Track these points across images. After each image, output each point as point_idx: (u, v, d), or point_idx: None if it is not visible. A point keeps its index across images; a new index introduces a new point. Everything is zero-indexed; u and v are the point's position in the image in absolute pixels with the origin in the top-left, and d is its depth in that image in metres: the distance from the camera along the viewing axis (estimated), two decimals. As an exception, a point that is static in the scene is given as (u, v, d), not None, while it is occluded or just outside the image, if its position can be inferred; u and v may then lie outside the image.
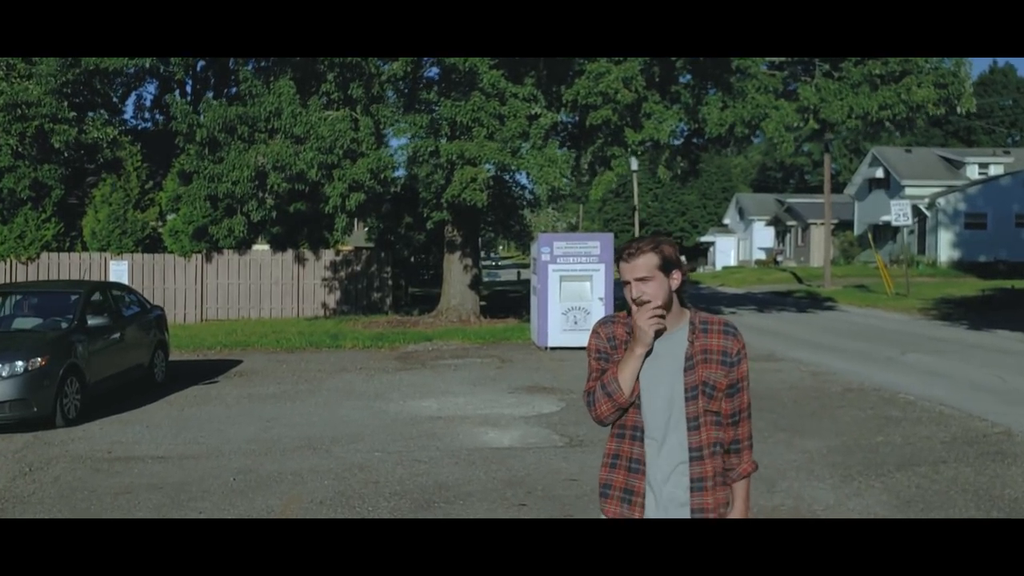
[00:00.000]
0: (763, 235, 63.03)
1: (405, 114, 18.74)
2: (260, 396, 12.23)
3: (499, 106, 17.41)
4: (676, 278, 3.03)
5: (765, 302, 29.99)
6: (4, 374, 9.70)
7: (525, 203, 24.53)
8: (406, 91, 19.80)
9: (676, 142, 20.78)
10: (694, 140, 21.23)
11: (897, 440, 8.94)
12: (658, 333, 2.99)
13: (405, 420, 10.40)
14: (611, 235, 17.51)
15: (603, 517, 3.12)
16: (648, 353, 3.00)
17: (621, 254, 3.07)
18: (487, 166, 18.13)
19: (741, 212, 66.72)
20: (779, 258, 59.38)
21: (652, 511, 3.03)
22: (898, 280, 30.94)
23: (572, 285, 16.85)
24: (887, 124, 19.45)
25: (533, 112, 17.50)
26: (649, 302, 2.96)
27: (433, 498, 7.13)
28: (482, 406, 11.23)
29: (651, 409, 3.03)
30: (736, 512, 3.11)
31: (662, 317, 2.98)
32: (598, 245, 16.88)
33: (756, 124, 18.05)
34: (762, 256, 61.47)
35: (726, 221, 69.88)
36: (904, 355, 15.51)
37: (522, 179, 22.67)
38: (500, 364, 15.20)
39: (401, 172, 20.50)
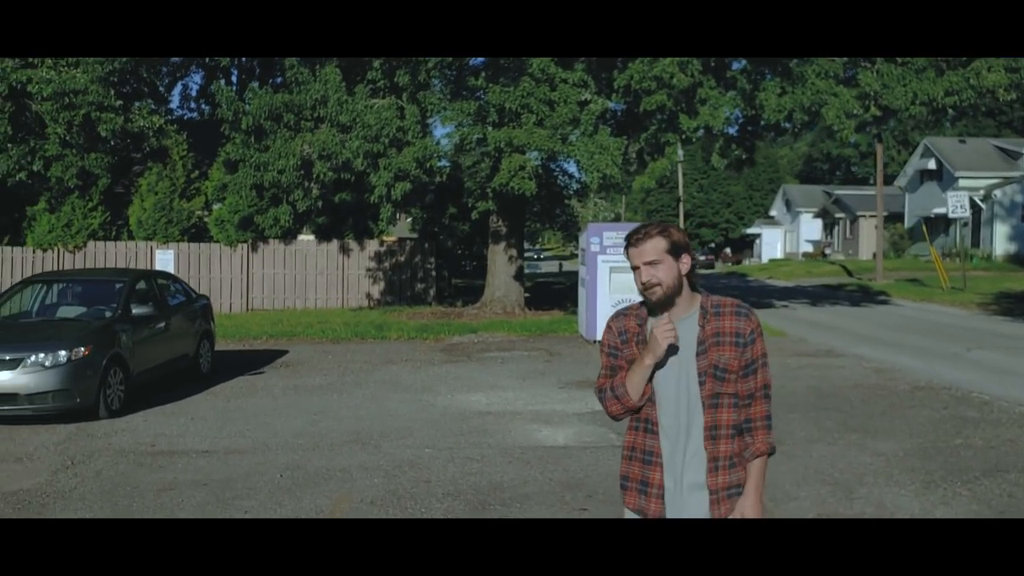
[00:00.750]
0: (810, 227, 61.88)
1: (452, 101, 18.37)
2: (307, 388, 11.97)
3: (549, 92, 16.94)
4: (685, 262, 3.05)
5: (817, 296, 29.27)
6: (47, 364, 9.51)
7: (572, 192, 24.05)
8: (453, 77, 19.43)
9: (731, 129, 20.14)
10: (749, 128, 20.57)
11: (978, 443, 8.40)
12: (672, 348, 3.01)
13: (454, 415, 10.06)
14: None
15: (626, 508, 3.19)
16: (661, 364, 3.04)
17: (628, 240, 3.07)
18: (532, 154, 17.68)
19: (788, 204, 65.60)
20: (827, 251, 58.27)
21: (673, 499, 3.07)
22: (953, 274, 30.02)
23: (622, 276, 16.31)
24: (950, 111, 18.70)
25: (583, 98, 17.02)
26: (659, 285, 3.00)
27: (488, 499, 6.77)
28: (532, 401, 10.85)
29: (665, 397, 3.07)
30: (748, 491, 3.08)
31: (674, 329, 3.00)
32: (649, 235, 16.36)
33: (816, 111, 17.39)
34: (809, 249, 60.40)
35: (772, 213, 68.79)
36: (970, 352, 14.86)
37: (570, 167, 22.19)
38: (548, 357, 14.81)
39: (445, 162, 20.16)
